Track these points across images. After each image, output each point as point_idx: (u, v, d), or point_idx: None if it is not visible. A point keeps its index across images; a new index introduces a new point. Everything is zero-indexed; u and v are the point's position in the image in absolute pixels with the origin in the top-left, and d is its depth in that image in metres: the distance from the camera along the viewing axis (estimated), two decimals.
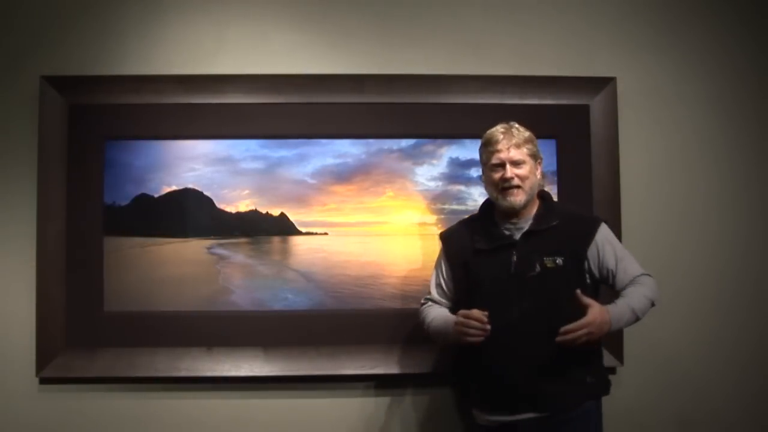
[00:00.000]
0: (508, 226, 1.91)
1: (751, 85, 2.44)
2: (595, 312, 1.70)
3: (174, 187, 2.32)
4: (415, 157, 2.36)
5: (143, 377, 2.24)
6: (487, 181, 1.94)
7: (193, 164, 2.32)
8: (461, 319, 1.79)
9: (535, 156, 1.91)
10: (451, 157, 2.36)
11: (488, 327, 1.75)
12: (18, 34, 2.33)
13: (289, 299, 2.31)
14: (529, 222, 1.90)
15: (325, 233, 2.35)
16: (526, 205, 1.89)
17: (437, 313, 1.98)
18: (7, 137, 2.31)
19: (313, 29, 2.38)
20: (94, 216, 2.28)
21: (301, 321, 2.29)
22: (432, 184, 2.36)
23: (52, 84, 2.26)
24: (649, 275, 1.87)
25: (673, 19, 2.44)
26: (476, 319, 1.76)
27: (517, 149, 1.86)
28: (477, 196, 2.34)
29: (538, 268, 1.83)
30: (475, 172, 2.35)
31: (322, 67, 2.35)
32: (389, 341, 2.27)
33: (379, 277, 2.33)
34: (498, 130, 1.91)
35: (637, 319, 1.81)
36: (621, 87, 2.35)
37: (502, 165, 1.87)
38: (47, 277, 2.24)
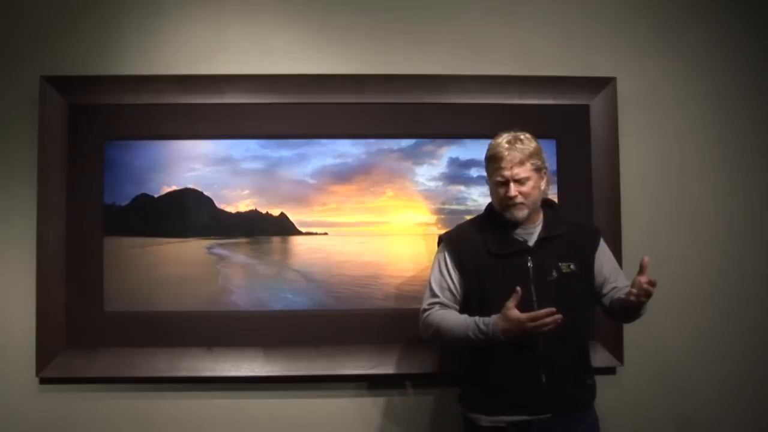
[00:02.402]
0: (518, 231, 1.92)
1: (750, 85, 2.44)
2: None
3: (174, 187, 2.32)
4: (415, 157, 2.36)
5: (143, 377, 2.24)
6: (491, 193, 1.94)
7: (193, 164, 2.32)
8: (530, 324, 1.73)
9: (539, 169, 1.89)
10: (451, 157, 2.36)
11: (559, 316, 1.72)
12: (18, 34, 2.33)
13: (289, 299, 2.31)
14: (538, 228, 1.92)
15: (325, 233, 2.35)
16: (530, 215, 1.90)
17: (456, 318, 1.87)
18: (7, 137, 2.31)
19: (313, 29, 2.38)
20: (94, 216, 2.28)
21: (301, 321, 2.29)
22: (432, 184, 2.36)
23: (52, 84, 2.26)
24: None
25: (672, 19, 2.44)
26: (544, 315, 1.73)
27: (520, 166, 1.85)
28: (477, 196, 2.34)
29: (555, 273, 1.86)
30: (475, 172, 2.35)
31: (322, 67, 2.35)
32: (388, 341, 2.28)
33: (379, 277, 2.33)
34: (502, 144, 1.87)
35: (641, 314, 1.89)
36: (621, 87, 2.36)
37: (506, 182, 1.86)
38: (47, 277, 2.24)
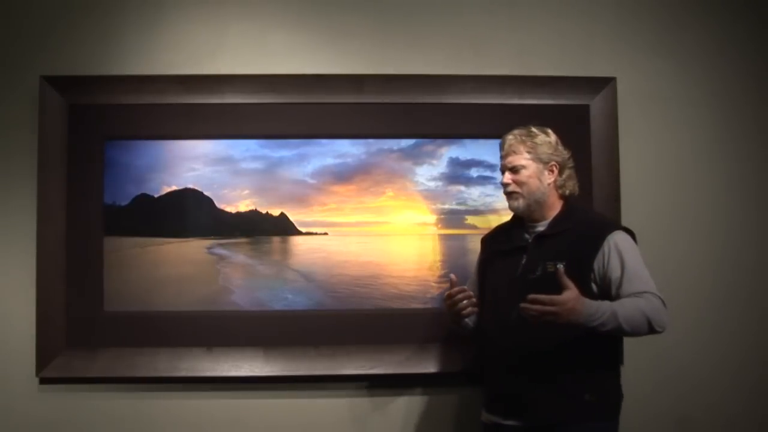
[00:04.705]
0: (528, 229, 1.93)
1: (749, 85, 2.44)
2: (569, 296, 1.64)
3: (174, 187, 2.32)
4: (415, 157, 2.36)
5: (143, 377, 2.24)
6: None
7: (193, 164, 2.32)
8: (447, 302, 1.91)
9: (543, 160, 1.87)
10: (451, 157, 2.36)
11: (470, 294, 1.88)
12: (18, 34, 2.33)
13: (289, 299, 2.31)
14: (545, 226, 1.90)
15: (325, 233, 2.35)
16: (534, 209, 1.89)
17: None
18: (7, 137, 2.31)
19: (313, 29, 2.38)
20: (94, 216, 2.28)
21: (301, 321, 2.29)
22: (432, 184, 2.36)
23: (52, 84, 2.26)
24: (658, 297, 1.76)
25: (672, 19, 2.44)
26: (456, 293, 1.86)
27: (516, 155, 1.88)
28: (477, 196, 2.35)
29: (539, 271, 1.81)
30: (475, 172, 2.35)
31: (322, 67, 2.35)
32: (389, 341, 2.27)
33: (379, 277, 2.33)
34: (508, 135, 1.93)
35: (623, 330, 1.69)
36: (621, 87, 2.36)
37: (503, 171, 1.92)
38: (47, 277, 2.24)
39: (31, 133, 2.27)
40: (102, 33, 2.34)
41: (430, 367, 2.26)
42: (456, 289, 1.86)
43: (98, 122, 2.29)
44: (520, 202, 1.88)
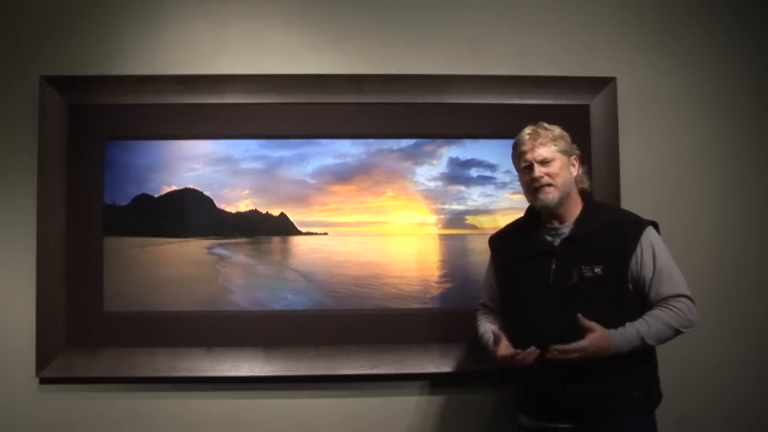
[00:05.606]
0: (550, 231, 1.87)
1: (749, 84, 2.44)
2: (593, 338, 1.69)
3: (174, 187, 2.32)
4: (415, 157, 2.36)
5: (143, 377, 2.24)
6: (521, 185, 1.92)
7: (193, 164, 2.32)
8: (506, 360, 1.80)
9: (567, 152, 1.86)
10: (451, 157, 2.36)
11: (532, 349, 1.75)
12: (18, 34, 2.33)
13: (289, 299, 2.31)
14: (571, 227, 1.85)
15: (325, 233, 2.35)
16: (563, 203, 1.84)
17: (485, 329, 1.96)
18: (7, 137, 2.31)
19: (313, 29, 2.38)
20: (94, 216, 2.28)
21: (301, 321, 2.29)
22: (432, 184, 2.36)
23: (52, 84, 2.26)
24: (686, 297, 1.78)
25: (672, 19, 2.44)
26: (515, 355, 1.77)
27: (543, 147, 1.83)
28: (477, 196, 2.35)
29: (575, 277, 1.78)
30: (475, 172, 2.35)
31: (322, 67, 2.35)
32: (389, 341, 2.27)
33: (379, 277, 2.33)
34: (524, 132, 1.88)
35: (652, 345, 1.78)
36: (621, 87, 2.36)
37: (530, 166, 1.84)
38: (47, 277, 2.24)
39: (31, 133, 2.28)
40: (102, 33, 2.34)
41: (430, 367, 2.26)
42: (521, 356, 1.76)
43: (98, 122, 2.29)
44: (554, 195, 1.81)
